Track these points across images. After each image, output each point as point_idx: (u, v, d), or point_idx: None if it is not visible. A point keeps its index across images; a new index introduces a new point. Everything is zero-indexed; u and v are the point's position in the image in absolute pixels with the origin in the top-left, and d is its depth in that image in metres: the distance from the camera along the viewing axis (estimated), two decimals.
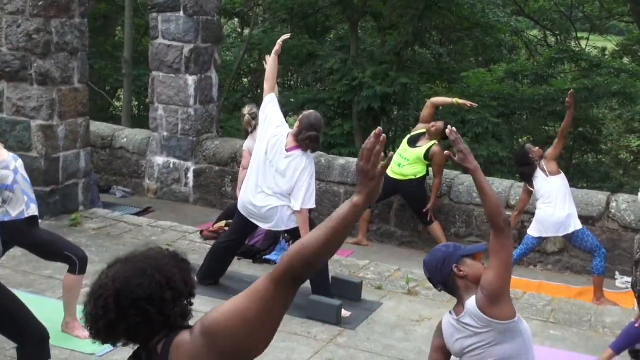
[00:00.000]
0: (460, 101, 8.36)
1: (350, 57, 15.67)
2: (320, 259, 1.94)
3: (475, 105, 8.73)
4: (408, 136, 8.47)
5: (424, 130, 8.27)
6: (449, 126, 3.34)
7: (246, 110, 7.81)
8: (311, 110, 6.27)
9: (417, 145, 8.22)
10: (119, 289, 2.05)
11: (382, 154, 1.98)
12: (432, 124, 8.28)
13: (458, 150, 3.12)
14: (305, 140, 5.91)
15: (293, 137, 5.99)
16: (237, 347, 1.95)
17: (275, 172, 5.99)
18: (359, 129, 15.61)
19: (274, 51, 6.26)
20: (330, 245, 1.93)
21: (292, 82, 21.94)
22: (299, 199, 5.92)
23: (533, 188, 7.23)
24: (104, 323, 2.05)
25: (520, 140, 18.16)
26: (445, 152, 3.29)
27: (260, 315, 1.95)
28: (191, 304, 2.13)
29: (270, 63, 6.23)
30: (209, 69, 9.74)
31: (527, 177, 7.28)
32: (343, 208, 1.96)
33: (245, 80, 21.30)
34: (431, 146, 8.12)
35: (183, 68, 9.48)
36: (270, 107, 6.12)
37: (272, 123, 6.07)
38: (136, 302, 2.03)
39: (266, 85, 6.24)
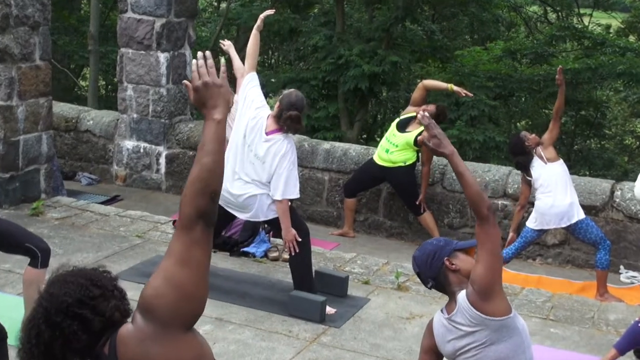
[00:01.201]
0: (456, 88, 8.34)
1: (336, 34, 15.62)
2: (212, 187, 2.14)
3: (471, 95, 8.73)
4: (397, 120, 8.46)
5: (414, 114, 8.27)
6: (420, 111, 3.37)
7: None
8: (292, 89, 6.25)
9: (407, 130, 8.21)
10: (47, 308, 2.14)
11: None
12: (423, 107, 8.27)
13: (432, 135, 3.12)
14: (286, 121, 5.88)
15: (273, 119, 5.97)
16: (178, 310, 2.12)
17: (254, 157, 5.96)
18: (344, 111, 15.58)
19: (255, 27, 6.25)
20: (216, 168, 2.15)
21: (273, 61, 21.87)
22: (279, 188, 5.90)
23: (531, 177, 7.23)
24: (39, 350, 2.13)
25: (518, 124, 18.23)
26: (419, 137, 3.32)
27: (186, 269, 2.11)
28: (127, 303, 2.23)
29: (252, 40, 6.21)
30: (182, 45, 9.68)
31: (524, 167, 7.29)
32: (210, 131, 2.19)
33: (223, 57, 21.21)
34: (421, 132, 8.11)
35: (154, 44, 9.41)
36: (250, 87, 6.09)
37: (251, 104, 6.04)
38: (67, 310, 2.12)
39: (246, 63, 6.21)
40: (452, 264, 3.19)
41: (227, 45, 7.11)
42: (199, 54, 2.28)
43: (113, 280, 2.23)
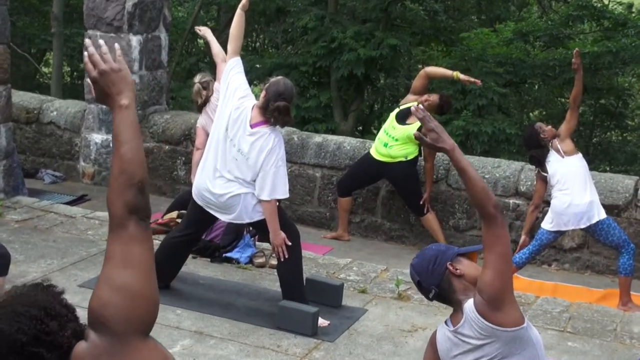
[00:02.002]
0: (462, 76, 8.33)
1: (328, 14, 15.62)
2: (137, 176, 2.20)
3: (478, 83, 8.72)
4: (396, 110, 8.46)
5: (415, 104, 8.26)
6: (414, 103, 3.36)
7: (197, 78, 7.79)
8: (279, 77, 6.24)
9: (407, 122, 8.21)
10: None
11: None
12: (425, 96, 8.27)
13: (429, 129, 3.12)
14: (273, 112, 5.88)
15: (258, 110, 5.96)
16: (130, 314, 2.14)
17: (238, 153, 5.95)
18: (338, 101, 15.60)
19: (240, 6, 6.24)
20: (136, 156, 2.20)
21: (258, 44, 21.87)
22: (266, 187, 5.89)
23: (546, 173, 7.24)
24: None
25: (531, 114, 18.27)
26: (415, 132, 3.31)
27: (129, 270, 2.15)
28: (81, 323, 2.23)
29: (235, 20, 6.21)
30: (157, 27, 9.66)
31: (539, 161, 7.30)
32: (121, 118, 2.22)
33: (201, 41, 21.17)
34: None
35: (125, 26, 9.39)
36: (233, 74, 6.08)
37: (234, 93, 6.03)
38: (22, 351, 2.10)
39: (230, 47, 6.21)
40: (456, 269, 3.19)
41: (204, 30, 7.13)
42: (87, 41, 2.33)
43: (62, 301, 2.22)
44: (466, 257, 3.26)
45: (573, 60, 7.12)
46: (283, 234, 5.92)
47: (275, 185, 5.90)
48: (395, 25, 16.63)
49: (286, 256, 5.94)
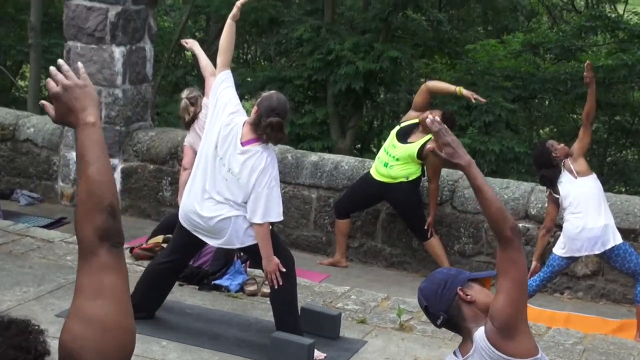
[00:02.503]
0: (465, 92, 8.35)
1: (325, 24, 15.67)
2: (107, 199, 2.16)
3: (482, 100, 8.74)
4: (397, 128, 8.47)
5: (417, 121, 8.28)
6: (429, 116, 3.35)
7: (185, 93, 7.79)
8: (272, 91, 6.24)
9: (409, 140, 8.22)
10: None
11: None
12: (427, 113, 8.28)
13: (444, 143, 3.12)
14: (265, 129, 5.88)
15: (250, 126, 5.96)
16: (104, 347, 2.11)
17: (228, 173, 5.94)
18: (335, 117, 15.61)
19: (230, 15, 6.25)
20: (103, 177, 2.17)
21: (249, 56, 21.93)
22: (258, 209, 5.88)
23: (558, 194, 7.24)
24: None
25: (541, 131, 18.30)
26: (428, 146, 3.31)
27: (99, 300, 2.13)
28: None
29: (225, 31, 6.22)
30: (141, 38, 9.67)
31: (550, 182, 7.30)
32: (85, 136, 2.20)
33: (189, 53, 21.22)
34: (426, 141, 8.11)
35: (108, 37, 9.40)
36: (222, 88, 6.08)
37: (224, 108, 6.03)
38: None
39: (219, 60, 6.21)
40: (467, 295, 3.17)
41: (190, 43, 7.15)
42: (52, 69, 2.31)
43: (25, 345, 2.16)
44: (478, 282, 3.25)
45: (585, 73, 7.14)
46: (277, 260, 5.90)
47: (269, 207, 5.89)
48: (396, 37, 16.68)
49: (280, 283, 5.92)
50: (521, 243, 3.07)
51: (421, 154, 8.12)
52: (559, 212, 7.35)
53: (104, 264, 2.14)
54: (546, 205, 7.64)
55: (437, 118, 3.21)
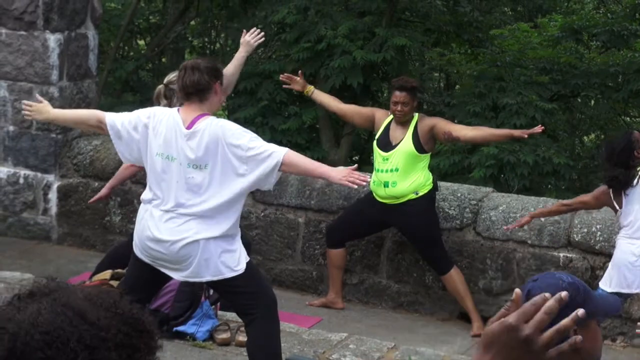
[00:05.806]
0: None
1: (313, 4, 15.67)
2: None
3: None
4: (374, 142, 8.54)
5: (389, 118, 8.34)
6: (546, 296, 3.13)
7: (168, 78, 7.65)
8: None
9: (394, 143, 8.23)
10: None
11: None
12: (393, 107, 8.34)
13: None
14: (199, 93, 5.99)
15: (187, 106, 6.01)
16: None
17: (189, 168, 5.91)
18: (326, 121, 15.61)
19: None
20: None
21: (218, 46, 21.91)
22: (271, 148, 6.00)
23: (620, 208, 7.18)
24: None
25: (585, 138, 18.33)
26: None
27: None
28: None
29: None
30: (82, 22, 9.70)
31: (619, 186, 7.20)
32: None
33: (142, 42, 21.26)
34: (415, 124, 8.16)
35: (40, 21, 9.41)
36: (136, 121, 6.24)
37: (140, 119, 6.14)
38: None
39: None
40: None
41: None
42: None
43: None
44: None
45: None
46: (339, 168, 6.01)
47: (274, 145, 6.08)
48: (403, 20, 16.69)
49: (363, 182, 6.00)
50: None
51: (421, 145, 8.12)
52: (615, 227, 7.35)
53: None
54: (590, 197, 7.58)
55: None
